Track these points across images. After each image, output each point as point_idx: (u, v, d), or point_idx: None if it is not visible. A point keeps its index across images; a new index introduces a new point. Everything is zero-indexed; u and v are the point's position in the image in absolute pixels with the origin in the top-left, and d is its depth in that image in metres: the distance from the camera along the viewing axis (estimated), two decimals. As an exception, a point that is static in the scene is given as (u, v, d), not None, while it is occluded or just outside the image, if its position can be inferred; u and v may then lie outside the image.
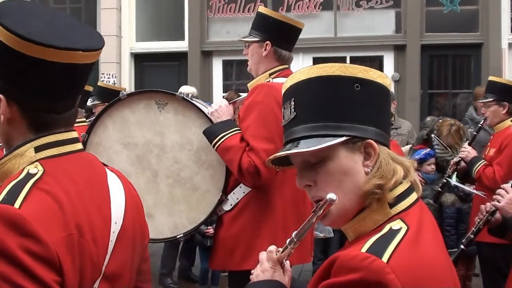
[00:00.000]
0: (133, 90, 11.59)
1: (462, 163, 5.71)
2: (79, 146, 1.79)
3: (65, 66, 1.65)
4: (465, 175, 5.79)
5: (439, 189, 5.84)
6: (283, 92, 1.77)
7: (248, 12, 11.17)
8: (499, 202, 3.69)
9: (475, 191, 5.53)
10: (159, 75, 11.69)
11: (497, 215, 3.72)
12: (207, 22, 11.58)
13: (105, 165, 1.91)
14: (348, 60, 10.87)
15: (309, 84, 1.67)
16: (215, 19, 11.61)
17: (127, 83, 11.61)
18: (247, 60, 3.95)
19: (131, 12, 11.79)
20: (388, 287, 1.39)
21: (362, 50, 11.03)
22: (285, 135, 1.73)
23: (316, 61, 11.08)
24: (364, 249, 1.47)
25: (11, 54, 1.59)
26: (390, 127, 1.77)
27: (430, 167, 7.01)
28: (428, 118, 8.11)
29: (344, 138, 1.61)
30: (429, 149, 7.10)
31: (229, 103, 3.79)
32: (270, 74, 3.81)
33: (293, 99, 1.70)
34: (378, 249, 1.46)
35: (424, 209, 1.69)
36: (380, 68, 11.15)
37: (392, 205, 1.61)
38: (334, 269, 1.48)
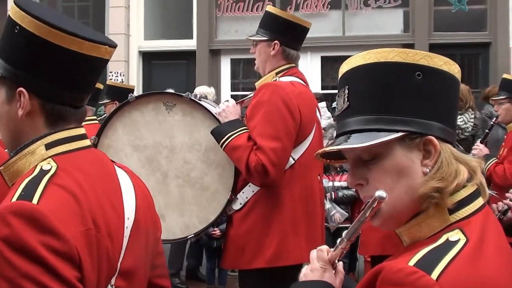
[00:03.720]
0: (141, 88, 11.64)
1: None
2: (87, 142, 1.80)
3: (89, 59, 1.69)
4: None
5: None
6: (339, 77, 1.62)
7: (256, 11, 11.17)
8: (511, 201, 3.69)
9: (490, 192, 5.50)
10: (167, 74, 11.70)
11: (510, 214, 3.71)
12: (216, 20, 11.59)
13: (112, 161, 1.91)
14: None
15: (364, 71, 1.52)
16: (224, 18, 11.62)
17: (135, 82, 11.63)
18: (255, 59, 3.98)
19: (139, 11, 11.81)
20: None
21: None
22: (338, 127, 1.59)
23: (324, 60, 11.09)
24: (412, 262, 1.32)
25: (38, 43, 1.63)
26: (456, 121, 1.58)
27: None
28: None
29: (400, 134, 1.46)
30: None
31: (237, 103, 3.81)
32: (277, 73, 3.84)
33: (347, 86, 1.56)
34: (428, 263, 1.31)
35: (489, 216, 1.51)
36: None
37: (452, 211, 1.45)
38: (379, 282, 1.35)
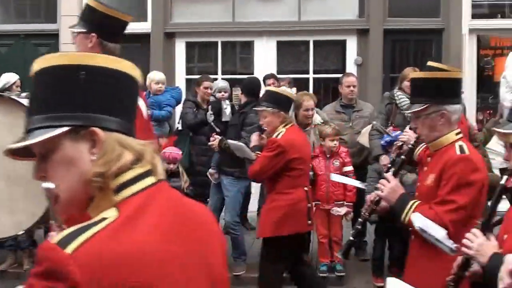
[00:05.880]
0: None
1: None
2: None
3: None
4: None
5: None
6: None
7: (212, -7, 11.05)
8: (382, 192, 3.79)
9: (359, 185, 6.54)
10: (120, 57, 11.49)
11: (383, 203, 3.85)
12: (171, 2, 11.42)
13: None
14: (311, 44, 10.88)
15: (37, 75, 1.68)
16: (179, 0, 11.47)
17: (88, 65, 11.42)
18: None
19: (92, -8, 11.56)
20: (69, 278, 1.41)
21: (325, 34, 11.03)
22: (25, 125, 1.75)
23: (280, 44, 11.04)
24: (56, 239, 1.48)
25: None
26: (130, 113, 1.76)
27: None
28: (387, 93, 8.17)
29: (64, 129, 1.61)
30: (399, 131, 7.20)
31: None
32: None
33: (33, 91, 1.73)
34: (68, 239, 1.47)
35: (161, 194, 1.70)
36: (343, 52, 11.21)
37: (117, 192, 1.62)
38: None
